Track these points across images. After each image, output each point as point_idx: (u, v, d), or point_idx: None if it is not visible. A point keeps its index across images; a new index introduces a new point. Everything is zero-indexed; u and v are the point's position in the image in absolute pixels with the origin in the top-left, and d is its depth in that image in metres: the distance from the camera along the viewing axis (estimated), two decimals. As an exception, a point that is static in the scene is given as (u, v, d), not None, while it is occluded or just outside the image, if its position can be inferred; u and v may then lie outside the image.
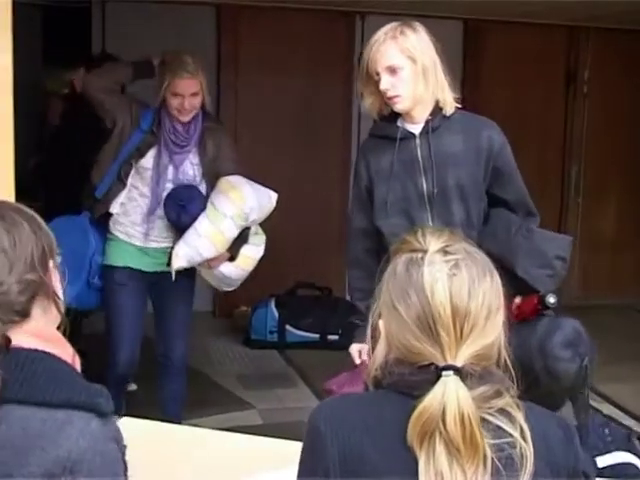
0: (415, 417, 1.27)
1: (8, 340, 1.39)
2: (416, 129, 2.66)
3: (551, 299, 2.54)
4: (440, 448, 1.26)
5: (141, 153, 3.44)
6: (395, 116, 2.71)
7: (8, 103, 2.35)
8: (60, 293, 1.53)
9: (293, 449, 1.50)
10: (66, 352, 1.45)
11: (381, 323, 1.39)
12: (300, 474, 1.40)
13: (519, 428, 1.30)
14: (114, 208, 3.47)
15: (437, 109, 2.63)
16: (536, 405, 1.39)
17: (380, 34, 2.60)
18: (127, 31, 5.31)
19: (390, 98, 2.61)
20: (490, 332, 1.33)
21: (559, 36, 6.27)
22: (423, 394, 1.29)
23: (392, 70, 2.57)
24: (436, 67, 2.59)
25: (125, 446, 1.42)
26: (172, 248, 3.41)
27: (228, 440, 2.34)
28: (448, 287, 1.32)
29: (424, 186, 2.65)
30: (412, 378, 1.33)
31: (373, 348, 1.42)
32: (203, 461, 2.10)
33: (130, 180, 3.46)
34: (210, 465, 2.08)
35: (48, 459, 1.31)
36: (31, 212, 1.52)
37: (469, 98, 6.07)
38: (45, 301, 1.47)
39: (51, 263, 1.50)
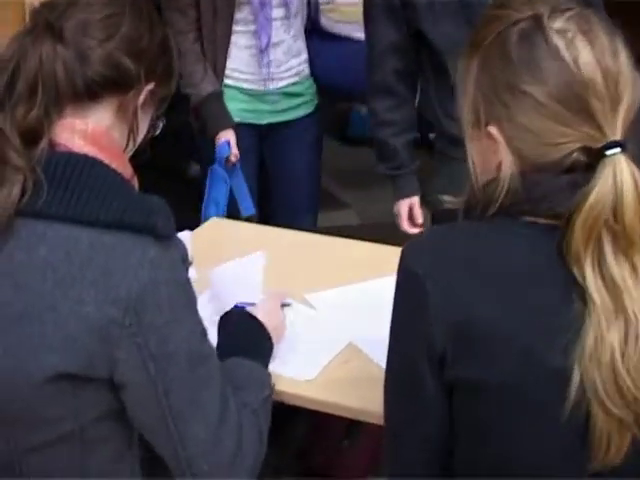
0: (585, 214, 1.03)
1: (54, 143, 1.18)
2: None
3: None
4: (609, 246, 1.04)
5: None
6: None
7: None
8: (141, 133, 1.28)
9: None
10: (125, 170, 1.22)
11: (493, 130, 1.11)
12: (394, 332, 1.16)
13: None
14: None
15: None
16: None
17: None
18: None
19: None
20: (637, 93, 1.09)
21: None
22: (564, 211, 1.05)
23: None
24: None
25: (190, 263, 1.22)
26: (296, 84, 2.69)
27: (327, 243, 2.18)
28: (589, 47, 1.07)
29: None
30: (551, 185, 1.07)
31: (478, 165, 1.16)
32: (306, 264, 1.98)
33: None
34: (313, 269, 1.96)
35: (105, 300, 1.12)
36: None
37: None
38: (120, 113, 1.23)
39: (152, 85, 1.25)
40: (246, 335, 1.48)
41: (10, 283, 1.14)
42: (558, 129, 1.07)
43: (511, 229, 1.11)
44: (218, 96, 2.60)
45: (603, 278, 1.03)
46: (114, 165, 1.20)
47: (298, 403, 1.54)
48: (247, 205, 2.63)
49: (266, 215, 2.79)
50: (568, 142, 1.07)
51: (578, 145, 1.06)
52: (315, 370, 1.57)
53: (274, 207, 2.83)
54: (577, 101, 1.06)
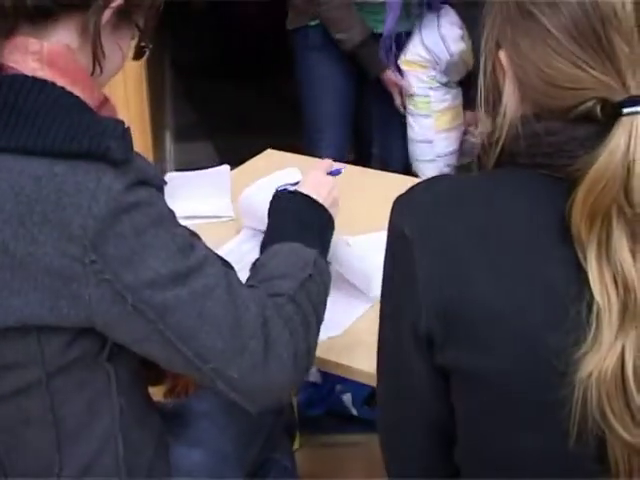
0: (587, 186, 0.82)
1: (2, 65, 1.04)
2: None
3: None
4: (619, 231, 0.82)
5: None
6: None
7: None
8: (111, 57, 1.12)
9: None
10: (91, 95, 1.08)
11: (502, 55, 0.91)
12: (382, 298, 0.99)
13: None
14: None
15: None
16: None
17: None
18: None
19: None
20: None
21: None
22: (578, 166, 0.83)
23: None
24: None
25: (165, 182, 1.08)
26: None
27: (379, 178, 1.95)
28: None
29: None
30: (564, 135, 0.86)
31: (489, 102, 0.96)
32: (357, 202, 1.77)
33: None
34: (363, 207, 1.75)
35: (61, 238, 0.99)
36: None
37: None
38: (85, 34, 1.08)
39: (116, 2, 1.08)
40: (293, 216, 1.33)
41: None
42: (570, 71, 0.85)
43: (519, 186, 0.89)
44: (369, 42, 2.54)
45: (611, 272, 0.82)
46: (77, 90, 1.05)
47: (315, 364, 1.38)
48: None
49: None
50: (581, 89, 0.84)
51: (593, 94, 0.84)
52: (339, 327, 1.40)
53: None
54: (596, 39, 0.83)
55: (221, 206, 1.76)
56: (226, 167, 1.83)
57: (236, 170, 1.93)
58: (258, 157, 2.04)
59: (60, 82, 1.04)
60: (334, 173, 1.53)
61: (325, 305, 1.23)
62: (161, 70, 4.56)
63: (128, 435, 1.17)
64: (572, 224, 0.83)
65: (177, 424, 1.37)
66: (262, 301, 1.13)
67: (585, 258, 0.83)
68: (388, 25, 2.50)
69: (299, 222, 1.32)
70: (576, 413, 0.83)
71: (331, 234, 1.36)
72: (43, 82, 1.03)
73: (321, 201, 1.37)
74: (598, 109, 0.83)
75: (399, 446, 1.04)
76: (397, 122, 2.72)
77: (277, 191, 1.40)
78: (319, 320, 1.20)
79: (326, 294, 1.25)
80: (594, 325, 0.82)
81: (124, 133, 1.03)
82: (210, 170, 1.83)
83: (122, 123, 1.04)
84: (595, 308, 0.82)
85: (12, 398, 1.11)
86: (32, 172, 0.99)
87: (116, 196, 1.00)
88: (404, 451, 1.03)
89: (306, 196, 1.36)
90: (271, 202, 1.38)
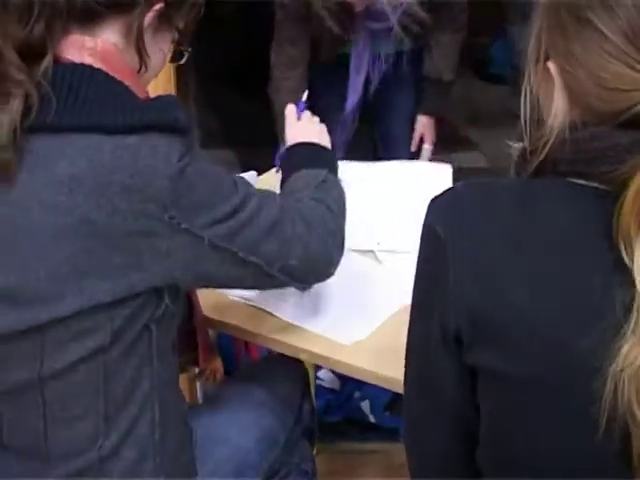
0: (637, 187, 0.83)
1: (60, 59, 1.11)
2: None
3: None
4: None
5: None
6: None
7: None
8: (154, 58, 1.20)
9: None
10: (138, 91, 1.14)
11: (551, 65, 0.93)
12: (413, 298, 1.00)
13: None
14: None
15: None
16: None
17: None
18: None
19: None
20: None
21: None
22: (626, 169, 0.85)
23: None
24: None
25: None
26: None
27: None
28: None
29: None
30: (609, 141, 0.87)
31: (534, 113, 0.98)
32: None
33: None
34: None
35: (141, 201, 1.06)
36: None
37: None
38: (129, 35, 1.15)
39: (159, 5, 1.16)
40: (296, 163, 1.49)
41: (37, 203, 1.07)
42: (624, 72, 0.86)
43: (557, 193, 0.91)
44: None
45: None
46: (127, 84, 1.12)
47: (338, 369, 1.39)
48: None
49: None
50: (635, 90, 0.86)
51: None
52: (364, 332, 1.41)
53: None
54: None
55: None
56: (253, 173, 1.85)
57: (259, 178, 1.94)
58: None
59: (114, 75, 1.11)
60: (301, 108, 1.67)
61: (344, 203, 1.40)
62: (184, 77, 4.60)
63: (163, 402, 1.20)
64: (621, 220, 0.84)
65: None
66: (290, 199, 1.32)
67: (631, 254, 0.83)
68: (350, 105, 2.48)
69: (304, 163, 1.46)
70: (605, 412, 0.84)
71: (334, 158, 1.53)
72: (100, 70, 1.10)
73: (313, 140, 1.53)
74: None
75: (425, 446, 1.05)
76: (401, 138, 2.66)
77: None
78: (341, 209, 1.38)
79: (342, 195, 1.41)
80: (633, 320, 0.82)
81: (183, 106, 1.12)
82: (239, 175, 1.84)
83: (176, 97, 1.13)
84: (636, 304, 0.82)
85: (66, 374, 1.13)
86: (107, 146, 1.05)
87: (181, 156, 1.08)
88: (430, 451, 1.05)
89: (299, 144, 1.52)
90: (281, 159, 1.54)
